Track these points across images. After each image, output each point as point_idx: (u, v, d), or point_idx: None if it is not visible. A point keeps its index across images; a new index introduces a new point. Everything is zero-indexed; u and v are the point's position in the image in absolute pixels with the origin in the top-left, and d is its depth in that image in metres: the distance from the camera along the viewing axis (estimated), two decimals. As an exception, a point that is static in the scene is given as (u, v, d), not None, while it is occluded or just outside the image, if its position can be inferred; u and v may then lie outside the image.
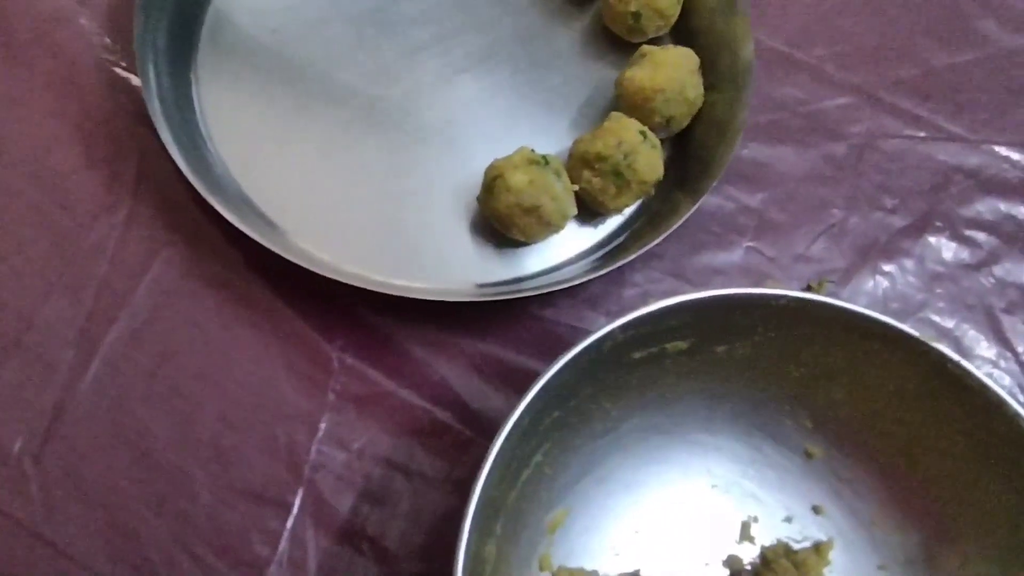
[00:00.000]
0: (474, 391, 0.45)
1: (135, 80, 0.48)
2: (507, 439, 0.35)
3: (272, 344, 0.44)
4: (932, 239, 0.51)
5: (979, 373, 0.38)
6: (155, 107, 0.45)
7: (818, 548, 0.42)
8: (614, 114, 0.47)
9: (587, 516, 0.42)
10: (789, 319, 0.40)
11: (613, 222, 0.49)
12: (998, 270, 0.51)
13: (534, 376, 0.36)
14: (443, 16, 0.53)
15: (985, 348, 0.49)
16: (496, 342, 0.46)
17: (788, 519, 0.43)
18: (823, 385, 0.42)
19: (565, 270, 0.47)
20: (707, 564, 0.43)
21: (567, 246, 0.48)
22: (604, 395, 0.41)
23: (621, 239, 0.48)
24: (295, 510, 0.42)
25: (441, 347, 0.45)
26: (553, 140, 0.49)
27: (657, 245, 0.45)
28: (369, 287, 0.43)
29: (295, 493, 0.42)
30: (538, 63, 0.52)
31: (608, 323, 0.37)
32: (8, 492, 0.41)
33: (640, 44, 0.50)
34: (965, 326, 0.49)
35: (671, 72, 0.47)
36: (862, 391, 0.42)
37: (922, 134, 0.54)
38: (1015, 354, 0.49)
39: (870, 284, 0.50)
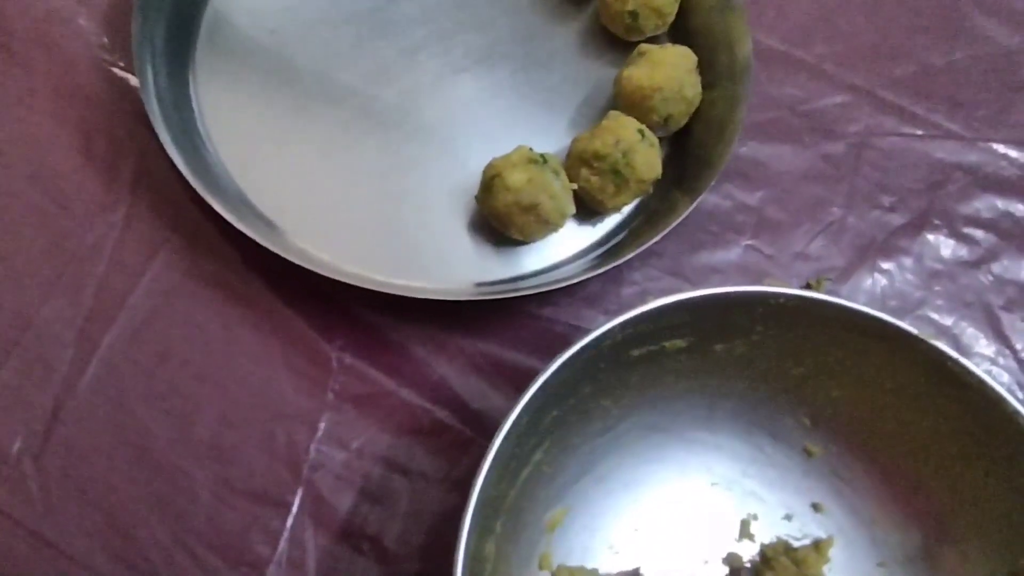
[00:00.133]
0: (473, 390, 0.45)
1: (133, 80, 0.48)
2: (506, 438, 0.35)
3: (271, 343, 0.44)
4: (930, 237, 0.51)
5: (978, 370, 0.38)
6: (153, 107, 0.45)
7: (818, 546, 0.42)
8: (612, 113, 0.47)
9: (587, 514, 0.42)
10: (788, 317, 0.40)
11: (611, 221, 0.49)
12: (996, 267, 0.51)
13: (533, 375, 0.36)
14: (441, 16, 0.53)
15: (984, 345, 0.49)
16: (495, 341, 0.46)
17: (788, 517, 0.43)
18: (822, 383, 0.42)
19: (564, 269, 0.47)
20: (707, 562, 0.43)
21: (566, 245, 0.48)
22: (603, 393, 0.41)
23: (619, 238, 0.48)
24: (294, 509, 0.42)
25: (440, 346, 0.45)
26: (551, 139, 0.49)
27: (656, 243, 0.45)
28: (368, 286, 0.43)
29: (294, 492, 0.42)
30: (536, 62, 0.52)
31: (607, 322, 0.37)
32: (8, 492, 0.41)
33: (638, 43, 0.50)
34: (964, 324, 0.49)
35: (669, 71, 0.47)
36: (861, 389, 0.42)
37: (920, 132, 0.54)
38: (1014, 351, 0.49)
39: (869, 282, 0.50)
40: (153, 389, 0.43)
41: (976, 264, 0.51)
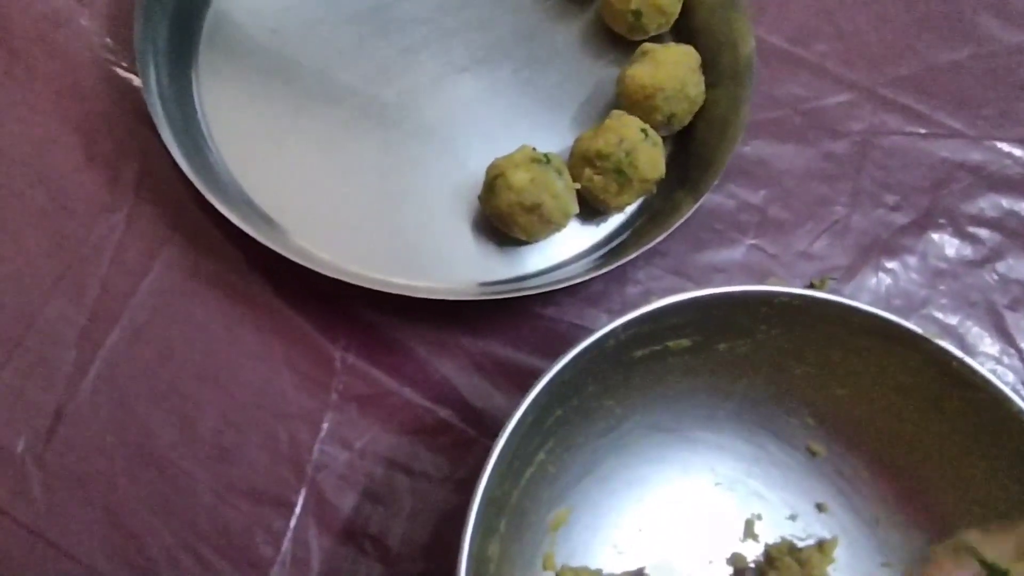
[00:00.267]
0: (476, 390, 0.45)
1: (136, 80, 0.48)
2: (510, 437, 0.35)
3: (274, 343, 0.44)
4: (935, 236, 0.51)
5: (983, 370, 0.38)
6: (156, 107, 0.45)
7: (822, 546, 0.42)
8: (615, 112, 0.47)
9: (590, 514, 0.42)
10: (791, 317, 0.40)
11: (615, 220, 0.49)
12: (1001, 266, 0.51)
13: (536, 375, 0.36)
14: (443, 15, 0.53)
15: (988, 345, 0.49)
16: (498, 341, 0.46)
17: (792, 517, 0.43)
18: (826, 383, 0.42)
19: (567, 268, 0.47)
20: (711, 562, 0.43)
21: (569, 244, 0.48)
22: (607, 393, 0.41)
23: (623, 237, 0.48)
24: (298, 510, 0.42)
25: (443, 346, 0.45)
26: (554, 138, 0.49)
27: (659, 243, 0.45)
28: (371, 286, 0.43)
29: (298, 493, 0.42)
30: (539, 61, 0.52)
31: (610, 321, 0.37)
32: (10, 492, 0.41)
33: (641, 42, 0.50)
34: (968, 323, 0.49)
35: (672, 70, 0.47)
36: (865, 388, 0.42)
37: (923, 131, 0.54)
38: (1019, 350, 0.49)
39: (873, 281, 0.50)
40: (155, 389, 0.43)
41: (981, 263, 0.51)
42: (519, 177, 0.44)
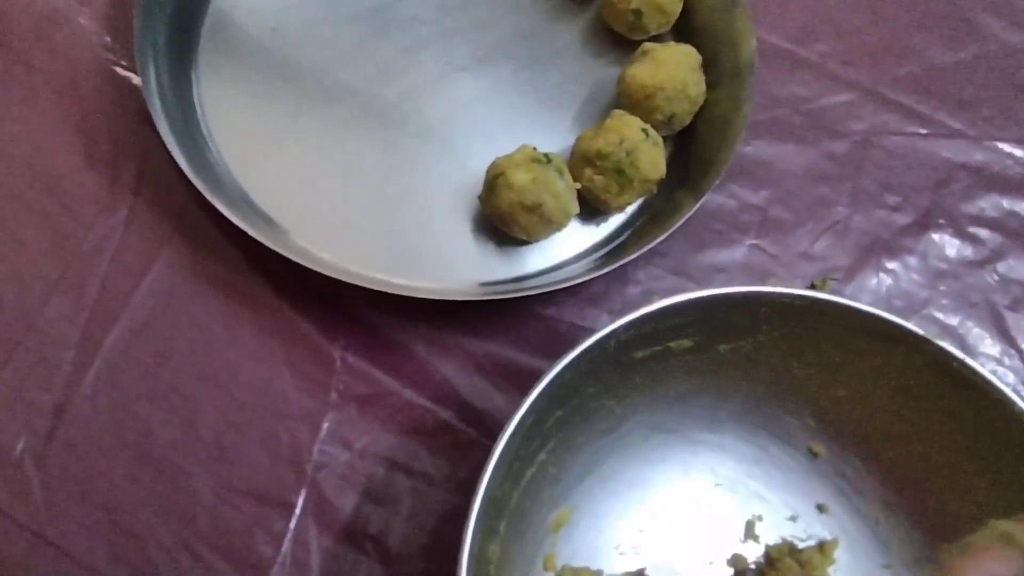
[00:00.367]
0: (476, 390, 0.45)
1: (135, 79, 0.48)
2: (510, 438, 0.35)
3: (274, 343, 0.44)
4: (935, 236, 0.51)
5: (983, 370, 0.38)
6: (156, 106, 0.45)
7: (823, 547, 0.42)
8: (616, 112, 0.47)
9: (591, 515, 0.42)
10: (792, 318, 0.40)
11: (615, 220, 0.49)
12: (1002, 267, 0.51)
13: (537, 375, 0.36)
14: (443, 15, 0.53)
15: (989, 345, 0.49)
16: (498, 341, 0.46)
17: (793, 518, 0.43)
18: (827, 383, 0.42)
19: (567, 268, 0.47)
20: (711, 563, 0.43)
21: (569, 244, 0.48)
22: (608, 394, 0.41)
23: (623, 237, 0.48)
24: (298, 510, 0.42)
25: (443, 346, 0.45)
26: (555, 138, 0.49)
27: (660, 243, 0.44)
28: (371, 286, 0.43)
29: (298, 493, 0.42)
30: (539, 61, 0.52)
31: (611, 322, 0.37)
32: (10, 493, 0.41)
33: (641, 41, 0.50)
34: (969, 323, 0.49)
35: (673, 70, 0.47)
36: (866, 389, 0.41)
37: (924, 131, 0.54)
38: (1019, 351, 0.49)
39: (873, 282, 0.50)
40: (155, 389, 0.43)
41: (981, 263, 0.51)
42: (520, 177, 0.43)
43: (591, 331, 0.37)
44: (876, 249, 0.50)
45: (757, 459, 0.44)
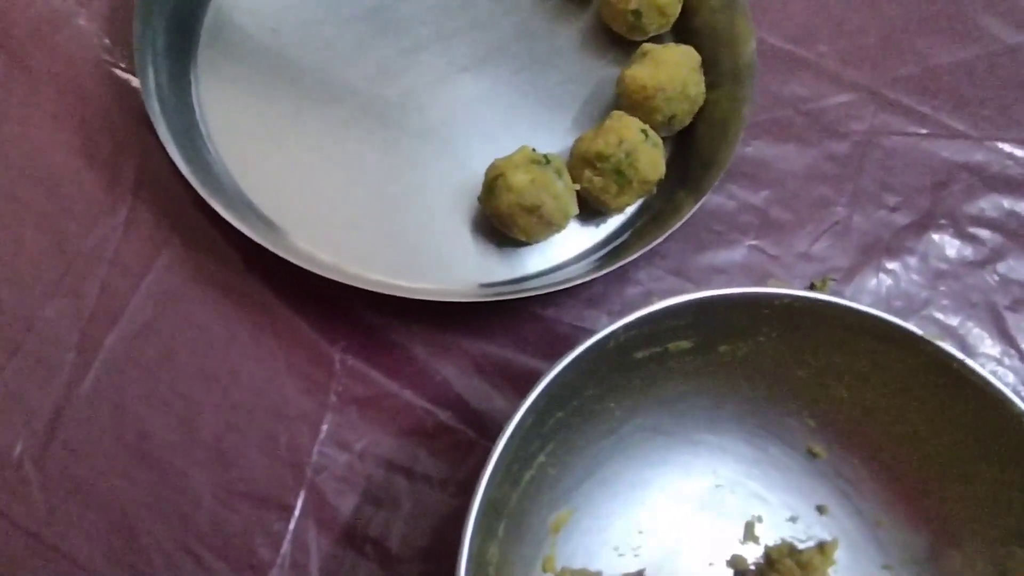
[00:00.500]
0: (476, 392, 0.45)
1: (135, 81, 0.48)
2: (510, 440, 0.35)
3: (273, 345, 0.44)
4: (935, 236, 0.51)
5: (983, 371, 0.38)
6: (155, 108, 0.45)
7: (822, 548, 0.42)
8: (615, 113, 0.47)
9: (591, 516, 0.42)
10: (792, 319, 0.40)
11: (615, 221, 0.49)
12: (1002, 267, 0.50)
13: (537, 376, 0.36)
14: (443, 15, 0.52)
15: (989, 346, 0.49)
16: (498, 342, 0.46)
17: (792, 519, 0.43)
18: (827, 384, 0.42)
19: (567, 269, 0.47)
20: (711, 564, 0.43)
21: (569, 245, 0.48)
22: (607, 395, 0.41)
23: (623, 238, 0.48)
24: (297, 512, 0.42)
25: (443, 348, 0.45)
26: (554, 139, 0.49)
27: (659, 244, 0.44)
28: (370, 288, 0.43)
29: (297, 495, 0.42)
30: (539, 62, 0.52)
31: (611, 323, 0.37)
32: (9, 494, 0.41)
33: (641, 42, 0.50)
34: (969, 324, 0.49)
35: (672, 70, 0.47)
36: (866, 390, 0.41)
37: (925, 131, 0.53)
38: (1019, 351, 0.49)
39: (873, 282, 0.50)
40: (155, 391, 0.43)
41: (982, 264, 0.50)
42: (519, 178, 0.43)
43: (591, 332, 0.37)
44: (876, 250, 0.50)
45: (757, 460, 0.44)
